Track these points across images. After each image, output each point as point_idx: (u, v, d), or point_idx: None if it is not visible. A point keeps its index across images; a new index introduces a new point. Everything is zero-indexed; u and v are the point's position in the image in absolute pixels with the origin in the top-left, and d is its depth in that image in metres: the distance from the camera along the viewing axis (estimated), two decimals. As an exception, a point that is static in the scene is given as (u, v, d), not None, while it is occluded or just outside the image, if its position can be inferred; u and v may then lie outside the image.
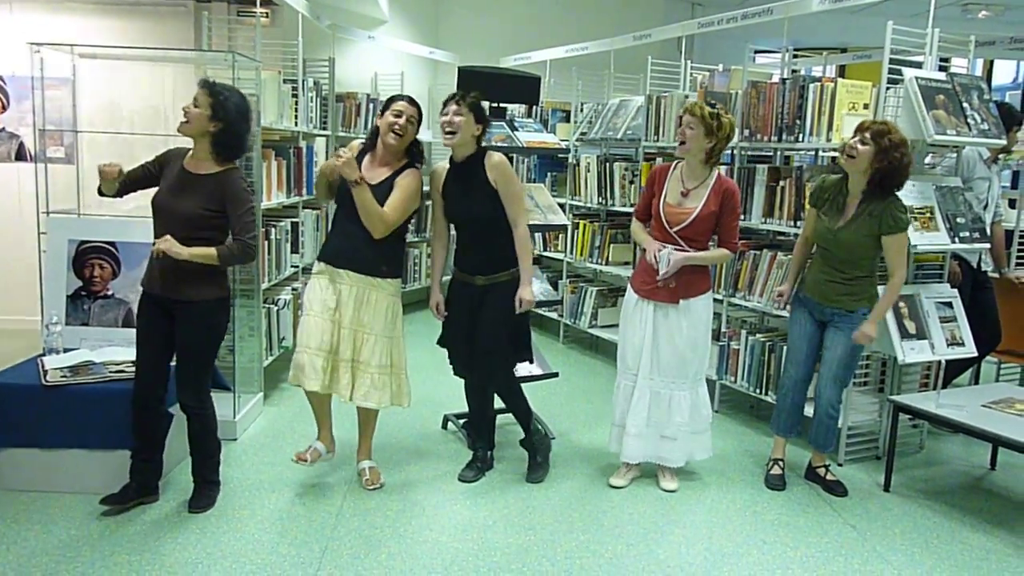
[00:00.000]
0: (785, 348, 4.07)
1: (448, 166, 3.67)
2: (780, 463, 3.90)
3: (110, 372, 3.55)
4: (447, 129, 3.53)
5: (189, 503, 3.41)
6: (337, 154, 3.37)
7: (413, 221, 3.77)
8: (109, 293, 4.02)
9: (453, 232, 3.80)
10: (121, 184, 3.34)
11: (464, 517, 3.46)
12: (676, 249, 3.57)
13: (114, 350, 3.80)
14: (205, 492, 3.46)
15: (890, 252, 3.53)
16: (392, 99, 3.56)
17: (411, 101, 3.53)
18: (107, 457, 3.47)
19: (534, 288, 3.74)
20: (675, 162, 3.70)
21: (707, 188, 3.59)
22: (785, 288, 3.92)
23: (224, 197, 3.24)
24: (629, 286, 3.79)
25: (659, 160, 5.41)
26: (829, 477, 3.81)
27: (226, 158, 3.29)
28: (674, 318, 3.65)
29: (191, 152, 3.33)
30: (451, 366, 3.86)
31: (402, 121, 3.45)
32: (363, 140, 3.67)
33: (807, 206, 3.80)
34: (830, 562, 3.18)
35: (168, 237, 3.08)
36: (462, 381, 3.90)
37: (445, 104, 3.56)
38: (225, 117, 3.22)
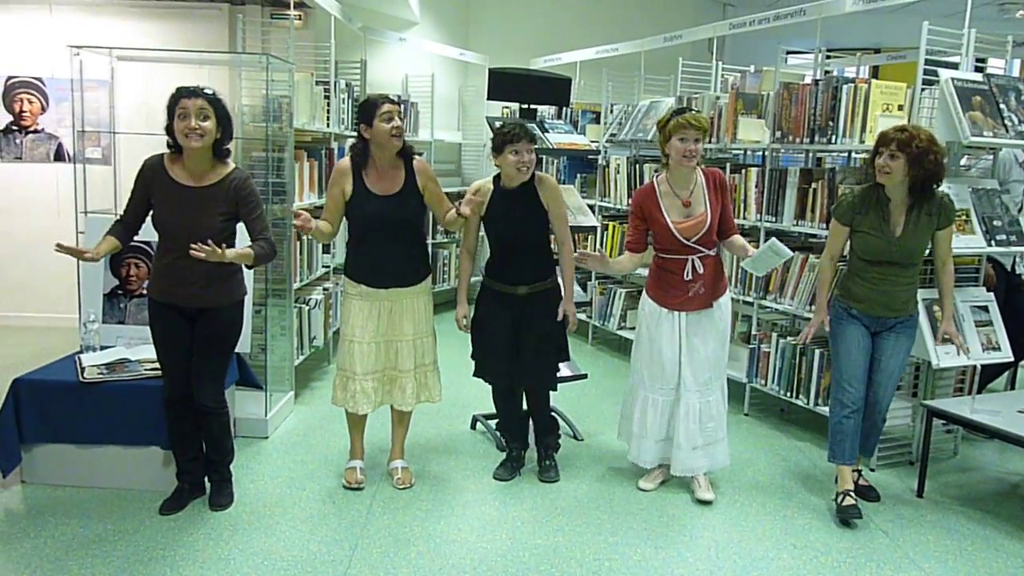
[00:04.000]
0: (826, 366, 4.04)
1: (492, 187, 3.64)
2: (851, 493, 3.58)
3: (145, 369, 3.61)
4: (523, 168, 3.51)
5: (210, 501, 3.45)
6: (298, 220, 3.22)
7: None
8: (144, 292, 4.08)
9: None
10: (128, 231, 3.29)
11: (493, 516, 3.47)
12: (700, 257, 3.55)
13: (149, 348, 3.83)
14: (226, 489, 3.50)
15: (944, 244, 3.52)
16: (368, 105, 3.42)
17: (386, 99, 3.42)
18: (142, 453, 3.53)
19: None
20: (653, 179, 3.65)
21: (700, 188, 3.57)
22: (818, 321, 3.71)
23: (239, 200, 3.21)
24: (648, 301, 3.70)
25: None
26: (861, 482, 3.77)
27: (225, 157, 3.25)
28: (707, 321, 3.63)
29: (177, 163, 3.20)
30: (480, 373, 3.84)
31: (397, 122, 3.38)
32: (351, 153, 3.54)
33: (834, 225, 3.61)
34: (861, 568, 3.15)
35: (204, 246, 2.96)
36: (485, 384, 3.91)
37: (512, 141, 3.48)
38: (225, 118, 3.19)
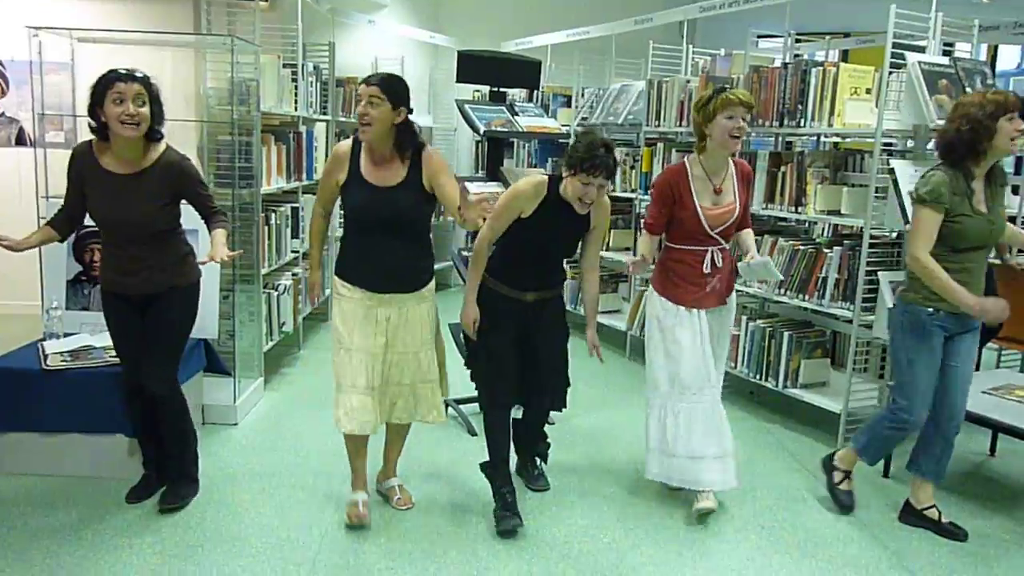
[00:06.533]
0: (795, 349, 4.06)
1: (546, 193, 3.15)
2: (936, 506, 3.39)
3: (110, 356, 3.55)
4: (587, 203, 3.08)
5: (160, 499, 3.29)
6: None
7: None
8: (109, 278, 4.02)
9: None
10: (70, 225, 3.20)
11: (476, 495, 3.47)
12: (719, 249, 3.33)
13: (114, 335, 3.81)
14: (180, 489, 3.32)
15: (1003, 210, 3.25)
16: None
17: (368, 80, 2.98)
18: (107, 441, 3.48)
19: None
20: (685, 159, 3.36)
21: (731, 178, 3.35)
22: (980, 307, 3.02)
23: (177, 182, 3.08)
24: (660, 299, 3.37)
25: (660, 145, 5.39)
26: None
27: (158, 138, 3.08)
28: (723, 318, 3.45)
29: (106, 151, 3.05)
30: (489, 403, 3.34)
31: (361, 107, 2.96)
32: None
33: (929, 213, 3.06)
34: (828, 547, 3.19)
35: (225, 252, 3.03)
36: (463, 369, 3.50)
37: (590, 172, 3.00)
38: (156, 101, 3.03)
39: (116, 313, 3.22)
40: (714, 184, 3.30)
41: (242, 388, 4.30)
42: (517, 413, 3.49)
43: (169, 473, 3.36)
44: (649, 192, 3.94)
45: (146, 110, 2.97)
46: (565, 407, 3.45)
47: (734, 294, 3.50)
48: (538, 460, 3.68)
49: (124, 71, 2.96)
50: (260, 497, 3.43)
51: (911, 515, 3.40)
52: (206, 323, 3.79)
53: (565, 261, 3.48)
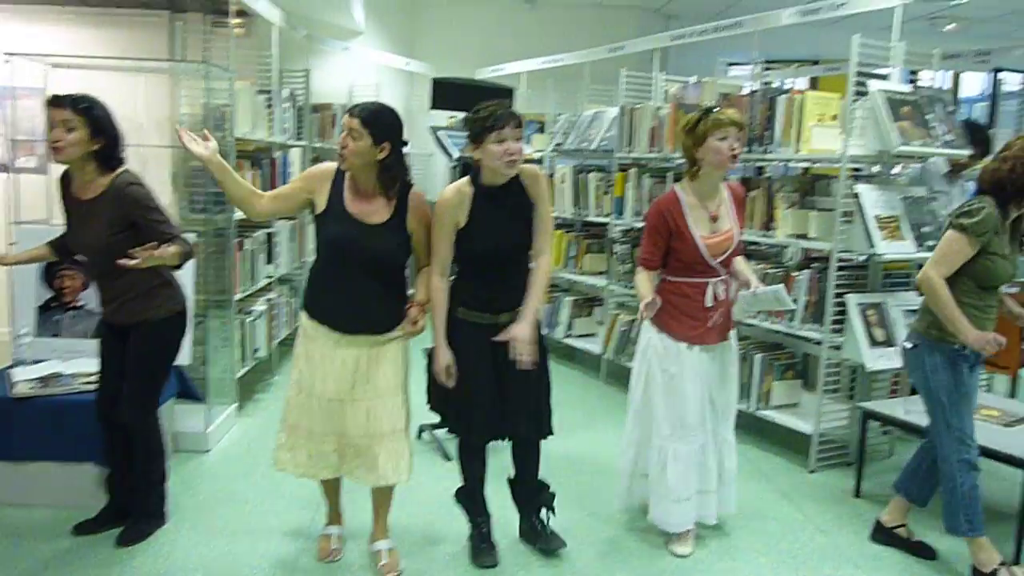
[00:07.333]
0: (767, 370, 4.09)
1: (471, 190, 2.92)
2: (906, 525, 3.42)
3: (80, 384, 3.52)
4: (512, 159, 2.83)
5: (118, 535, 3.17)
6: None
7: None
8: (79, 304, 3.99)
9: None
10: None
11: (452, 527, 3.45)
12: (721, 281, 3.16)
13: (84, 361, 3.76)
14: (140, 524, 3.21)
15: None
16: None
17: (351, 111, 2.77)
18: (77, 470, 3.43)
19: None
20: (675, 187, 3.22)
21: (726, 203, 3.20)
22: (983, 341, 2.97)
23: (126, 211, 2.95)
24: (659, 335, 3.19)
25: (633, 171, 5.46)
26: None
27: (113, 167, 3.00)
28: (726, 355, 3.28)
29: (74, 177, 3.02)
30: (457, 428, 3.13)
31: (342, 138, 2.77)
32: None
33: (968, 241, 2.97)
34: (800, 567, 3.22)
35: (133, 257, 2.77)
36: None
37: (494, 127, 2.79)
38: (105, 129, 2.94)
39: (103, 339, 3.21)
40: (709, 211, 3.14)
41: (215, 415, 4.27)
42: (510, 471, 3.24)
43: (135, 506, 3.26)
44: (643, 223, 3.75)
45: (75, 135, 2.87)
46: (552, 433, 3.15)
47: (735, 330, 3.36)
48: (544, 513, 3.26)
49: (57, 96, 2.90)
50: (232, 525, 3.39)
51: (882, 533, 3.43)
52: (178, 349, 3.77)
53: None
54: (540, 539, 3.20)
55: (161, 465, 3.28)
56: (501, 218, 2.92)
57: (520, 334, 2.90)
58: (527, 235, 2.98)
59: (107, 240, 2.93)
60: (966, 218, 2.97)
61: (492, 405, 3.00)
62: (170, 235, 2.95)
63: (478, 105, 2.89)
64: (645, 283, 3.16)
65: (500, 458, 3.28)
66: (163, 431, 3.30)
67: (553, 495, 3.24)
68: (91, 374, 3.60)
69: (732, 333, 3.31)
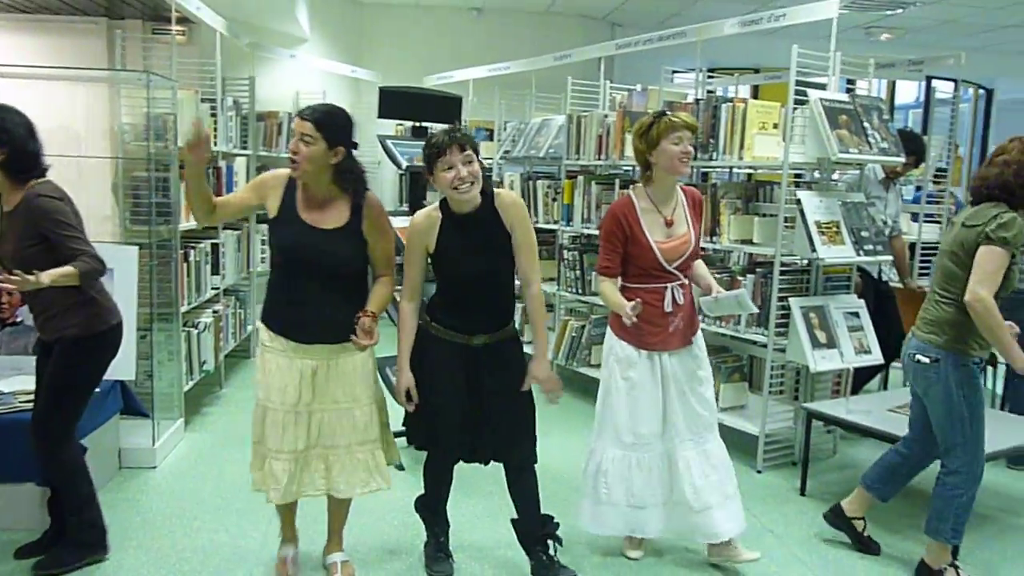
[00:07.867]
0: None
1: (439, 216, 2.87)
2: (864, 520, 3.46)
3: (20, 402, 3.42)
4: (463, 186, 2.74)
5: (35, 562, 3.04)
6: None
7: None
8: (18, 320, 3.88)
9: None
10: None
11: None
12: (679, 285, 3.11)
13: (24, 379, 3.66)
14: (62, 552, 3.05)
15: None
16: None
17: (301, 114, 2.71)
18: (18, 490, 3.33)
19: None
20: (630, 192, 3.17)
21: (682, 207, 3.16)
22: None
23: (35, 223, 2.83)
24: (619, 343, 3.14)
25: (581, 178, 5.51)
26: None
27: (26, 180, 2.87)
28: (689, 360, 3.17)
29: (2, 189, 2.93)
30: (421, 441, 3.05)
31: (293, 143, 2.71)
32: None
33: (1004, 254, 2.89)
34: (748, 567, 3.27)
35: (12, 277, 2.63)
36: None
37: (439, 156, 2.74)
38: (11, 140, 2.81)
39: (39, 356, 3.11)
40: (664, 216, 3.11)
41: (161, 430, 4.19)
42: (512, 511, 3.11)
43: (66, 531, 3.11)
44: (593, 230, 3.73)
45: None
46: (535, 461, 3.04)
47: (700, 333, 3.26)
48: (552, 545, 3.07)
49: None
50: (181, 542, 3.33)
51: (838, 517, 3.47)
52: (122, 364, 3.68)
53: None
54: (551, 571, 3.02)
55: (78, 494, 3.06)
56: (469, 246, 2.86)
57: (540, 375, 2.95)
58: (498, 262, 2.91)
59: (22, 253, 2.82)
60: (1004, 231, 2.88)
61: (462, 423, 2.92)
62: (77, 250, 2.81)
63: (430, 133, 2.87)
64: (614, 292, 3.11)
65: (499, 487, 3.13)
66: (77, 456, 3.07)
67: (557, 525, 3.08)
68: (31, 392, 3.50)
69: (698, 336, 3.24)
